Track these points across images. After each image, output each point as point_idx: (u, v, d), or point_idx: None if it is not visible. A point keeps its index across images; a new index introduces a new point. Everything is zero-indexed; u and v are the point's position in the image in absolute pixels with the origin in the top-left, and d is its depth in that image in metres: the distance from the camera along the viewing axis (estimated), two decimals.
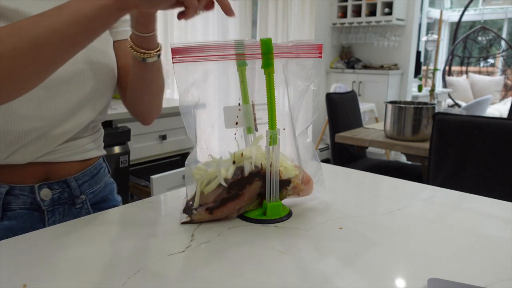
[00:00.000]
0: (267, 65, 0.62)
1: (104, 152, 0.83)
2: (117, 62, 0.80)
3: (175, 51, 0.60)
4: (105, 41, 0.77)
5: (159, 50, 0.72)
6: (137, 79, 0.77)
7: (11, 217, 0.70)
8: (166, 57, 2.53)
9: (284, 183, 0.69)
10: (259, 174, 0.66)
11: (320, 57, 0.67)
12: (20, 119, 0.66)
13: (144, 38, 0.69)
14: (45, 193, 0.72)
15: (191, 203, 0.66)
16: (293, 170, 0.69)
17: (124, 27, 0.82)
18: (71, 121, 0.72)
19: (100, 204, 0.83)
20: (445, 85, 6.32)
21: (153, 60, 0.72)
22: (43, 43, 0.52)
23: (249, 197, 0.67)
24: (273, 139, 0.64)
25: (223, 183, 0.64)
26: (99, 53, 0.74)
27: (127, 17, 0.73)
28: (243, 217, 0.68)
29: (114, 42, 0.81)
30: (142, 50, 0.70)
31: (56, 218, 0.75)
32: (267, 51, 0.61)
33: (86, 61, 0.72)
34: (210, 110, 0.67)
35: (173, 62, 0.60)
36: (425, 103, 2.23)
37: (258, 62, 0.63)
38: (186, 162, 0.66)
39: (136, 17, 0.66)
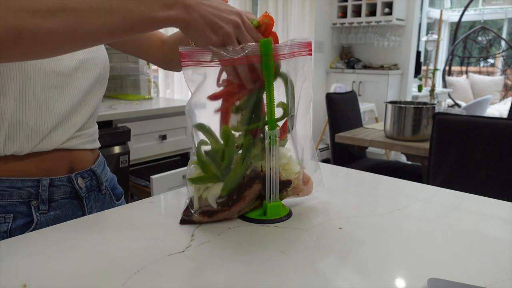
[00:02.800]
0: (267, 67, 0.62)
1: (99, 145, 0.89)
2: (150, 36, 0.88)
3: (184, 55, 0.60)
4: None
5: None
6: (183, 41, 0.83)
7: (55, 208, 0.75)
8: None
9: (285, 184, 0.69)
10: (258, 176, 0.66)
11: (310, 54, 0.67)
12: (44, 106, 0.71)
13: None
14: (80, 181, 0.78)
15: (191, 204, 0.66)
16: (292, 172, 0.69)
17: None
18: (84, 106, 0.78)
19: (114, 191, 0.90)
20: (445, 85, 6.32)
21: None
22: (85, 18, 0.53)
23: (249, 200, 0.68)
24: (272, 140, 0.64)
25: (214, 205, 0.65)
26: None
27: None
28: (243, 217, 0.68)
29: None
30: None
31: (92, 204, 0.81)
32: (266, 52, 0.61)
33: (90, 49, 0.78)
34: (212, 112, 0.68)
35: (181, 66, 0.61)
36: (425, 103, 2.23)
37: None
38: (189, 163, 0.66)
39: None
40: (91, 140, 0.82)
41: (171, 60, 0.91)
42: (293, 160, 0.71)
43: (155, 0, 0.55)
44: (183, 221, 0.66)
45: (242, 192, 0.66)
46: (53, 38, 0.53)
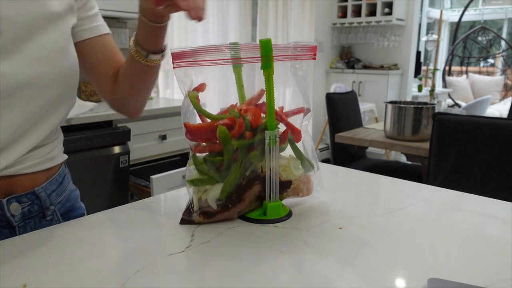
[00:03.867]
0: (266, 67, 0.62)
1: (66, 157, 0.77)
2: (98, 58, 0.78)
3: (176, 56, 0.60)
4: (67, 39, 0.69)
5: (163, 51, 0.74)
6: (135, 78, 0.77)
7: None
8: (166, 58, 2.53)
9: (285, 185, 0.69)
10: (258, 177, 0.66)
11: (314, 58, 0.67)
12: None
13: (154, 32, 0.69)
14: (15, 208, 0.66)
15: (191, 205, 0.66)
16: (292, 173, 0.69)
17: (96, 22, 0.77)
18: (34, 130, 0.65)
19: (69, 214, 0.77)
20: (445, 85, 6.32)
21: (157, 61, 0.73)
22: None
23: (249, 201, 0.68)
24: (272, 140, 0.64)
25: (214, 206, 0.65)
26: (62, 51, 0.67)
27: (94, 11, 0.76)
28: (243, 217, 0.68)
29: (88, 39, 0.76)
30: (145, 52, 0.72)
31: (27, 233, 0.67)
32: (266, 53, 0.61)
33: (47, 61, 0.64)
34: (209, 111, 0.68)
35: (173, 67, 0.60)
36: (425, 103, 2.23)
37: (258, 63, 0.63)
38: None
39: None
40: (45, 159, 0.70)
41: (123, 98, 0.81)
42: (294, 162, 0.71)
43: None
44: (183, 221, 0.66)
45: (242, 194, 0.66)
46: None
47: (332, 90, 4.08)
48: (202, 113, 0.65)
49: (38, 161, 0.68)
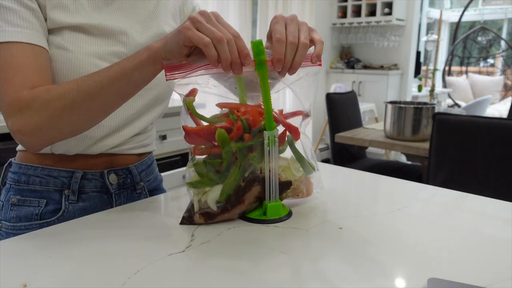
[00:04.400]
0: (259, 68, 0.61)
1: (154, 148, 0.92)
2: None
3: (168, 68, 0.60)
4: None
5: None
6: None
7: (85, 199, 0.79)
8: None
9: (285, 186, 0.69)
10: (257, 179, 0.66)
11: (320, 65, 0.66)
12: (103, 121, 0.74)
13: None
14: (113, 178, 0.81)
15: (192, 206, 0.66)
16: (292, 173, 0.69)
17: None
18: (137, 121, 0.81)
19: (154, 192, 0.92)
20: (445, 85, 6.32)
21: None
22: (94, 96, 0.63)
23: (249, 202, 0.68)
24: (271, 141, 0.64)
25: (214, 208, 0.65)
26: None
27: None
28: (243, 217, 0.68)
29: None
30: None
31: (121, 200, 0.83)
32: (258, 54, 0.60)
33: None
34: (211, 111, 0.68)
35: (166, 79, 0.61)
36: (425, 103, 2.23)
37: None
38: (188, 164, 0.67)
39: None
40: (140, 146, 0.85)
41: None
42: (294, 163, 0.70)
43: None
44: (183, 222, 0.66)
45: (241, 195, 0.66)
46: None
47: (332, 90, 4.08)
48: (200, 119, 0.65)
49: (135, 145, 0.84)
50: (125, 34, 0.75)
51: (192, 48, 0.60)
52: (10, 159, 0.80)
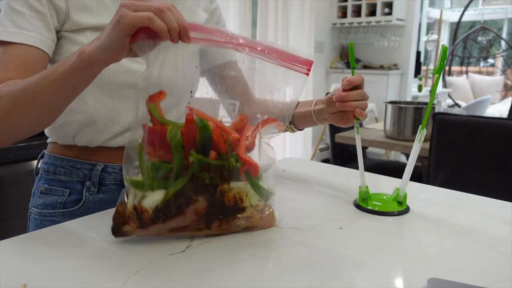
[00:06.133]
0: None
1: None
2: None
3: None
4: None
5: None
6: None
7: (104, 191, 0.82)
8: None
9: (236, 210, 0.60)
10: (208, 192, 0.58)
11: (307, 74, 0.62)
12: (114, 113, 0.78)
13: None
14: None
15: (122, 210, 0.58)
16: (247, 199, 0.61)
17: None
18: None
19: None
20: (445, 85, 6.32)
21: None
22: (35, 98, 0.62)
23: (191, 219, 0.59)
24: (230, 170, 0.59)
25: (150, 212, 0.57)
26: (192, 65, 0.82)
27: None
28: None
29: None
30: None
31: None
32: None
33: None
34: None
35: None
36: (425, 103, 2.23)
37: (247, 58, 0.60)
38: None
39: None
40: None
41: None
42: (251, 193, 0.62)
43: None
44: (115, 231, 0.59)
45: (183, 206, 0.58)
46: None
47: (332, 90, 4.08)
48: (165, 123, 0.58)
49: None
50: None
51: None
52: (43, 150, 0.86)
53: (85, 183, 0.81)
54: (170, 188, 0.57)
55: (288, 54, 0.62)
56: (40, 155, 0.87)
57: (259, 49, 0.60)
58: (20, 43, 0.69)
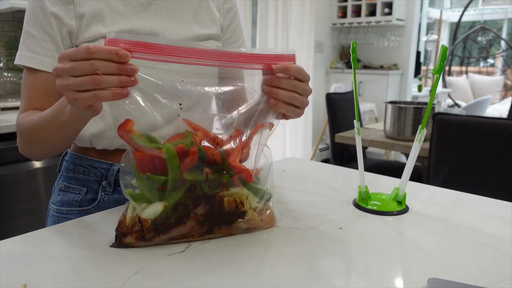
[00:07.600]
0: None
1: None
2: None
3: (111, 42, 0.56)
4: None
5: None
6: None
7: (120, 192, 0.82)
8: None
9: (237, 215, 0.61)
10: (206, 198, 0.58)
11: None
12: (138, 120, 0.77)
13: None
14: None
15: (122, 220, 0.59)
16: (247, 203, 0.61)
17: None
18: (165, 127, 0.71)
19: None
20: (445, 85, 6.32)
21: None
22: (47, 139, 0.69)
23: (191, 226, 0.59)
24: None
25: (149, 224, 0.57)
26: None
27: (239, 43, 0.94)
28: None
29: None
30: None
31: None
32: None
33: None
34: None
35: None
36: (425, 103, 2.23)
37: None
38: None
39: None
40: None
41: None
42: (251, 195, 0.62)
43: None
44: (116, 243, 0.59)
45: (183, 217, 0.58)
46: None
47: (332, 90, 4.08)
48: (143, 145, 0.57)
49: None
50: (155, 36, 0.77)
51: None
52: (67, 149, 0.88)
53: (102, 183, 0.82)
54: (169, 199, 0.57)
55: (270, 56, 0.61)
56: (63, 153, 0.88)
57: (228, 58, 0.59)
58: (39, 70, 0.74)
